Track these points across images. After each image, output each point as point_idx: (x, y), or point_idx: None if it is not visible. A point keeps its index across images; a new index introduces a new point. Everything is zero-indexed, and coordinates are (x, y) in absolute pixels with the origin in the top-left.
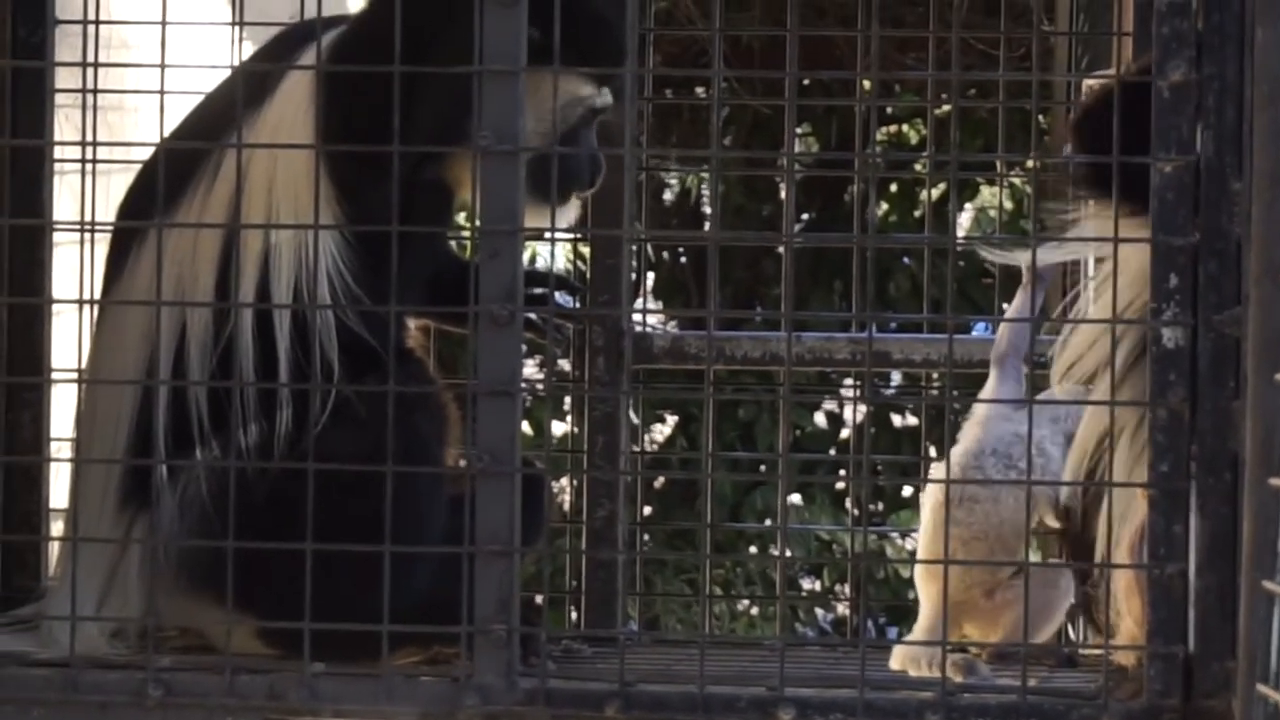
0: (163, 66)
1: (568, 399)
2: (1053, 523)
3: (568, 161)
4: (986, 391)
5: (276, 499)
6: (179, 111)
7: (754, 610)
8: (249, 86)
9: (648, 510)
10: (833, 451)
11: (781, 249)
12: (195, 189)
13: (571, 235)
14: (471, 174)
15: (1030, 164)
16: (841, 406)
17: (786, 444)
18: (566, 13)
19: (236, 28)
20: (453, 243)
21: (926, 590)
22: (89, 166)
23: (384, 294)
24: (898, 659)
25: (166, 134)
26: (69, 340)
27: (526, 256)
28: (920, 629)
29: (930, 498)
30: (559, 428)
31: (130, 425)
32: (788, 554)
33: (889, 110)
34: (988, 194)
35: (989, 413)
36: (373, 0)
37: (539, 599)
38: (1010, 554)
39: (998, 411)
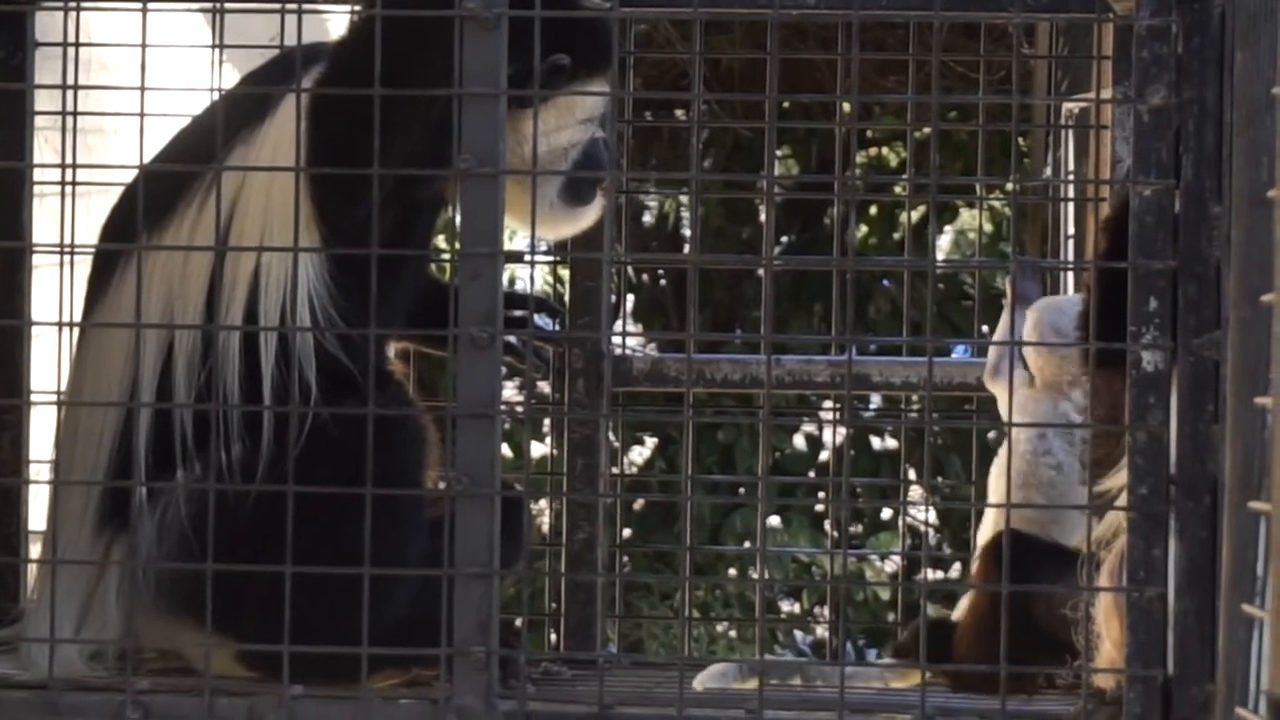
0: (143, 89)
1: (547, 421)
2: None
3: (594, 164)
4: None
5: (256, 521)
6: (159, 134)
7: (733, 632)
8: (247, 107)
9: (627, 532)
10: (812, 474)
11: (761, 271)
12: (188, 207)
13: (551, 258)
14: (450, 197)
15: (1010, 187)
16: (821, 429)
17: (766, 466)
18: (588, 35)
19: (216, 50)
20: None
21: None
22: (69, 189)
23: (369, 317)
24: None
25: (156, 153)
26: (48, 362)
27: (506, 278)
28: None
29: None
30: (538, 450)
31: (112, 445)
32: (767, 576)
33: (869, 133)
34: (967, 216)
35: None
36: (354, 28)
37: (518, 621)
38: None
39: (1030, 410)
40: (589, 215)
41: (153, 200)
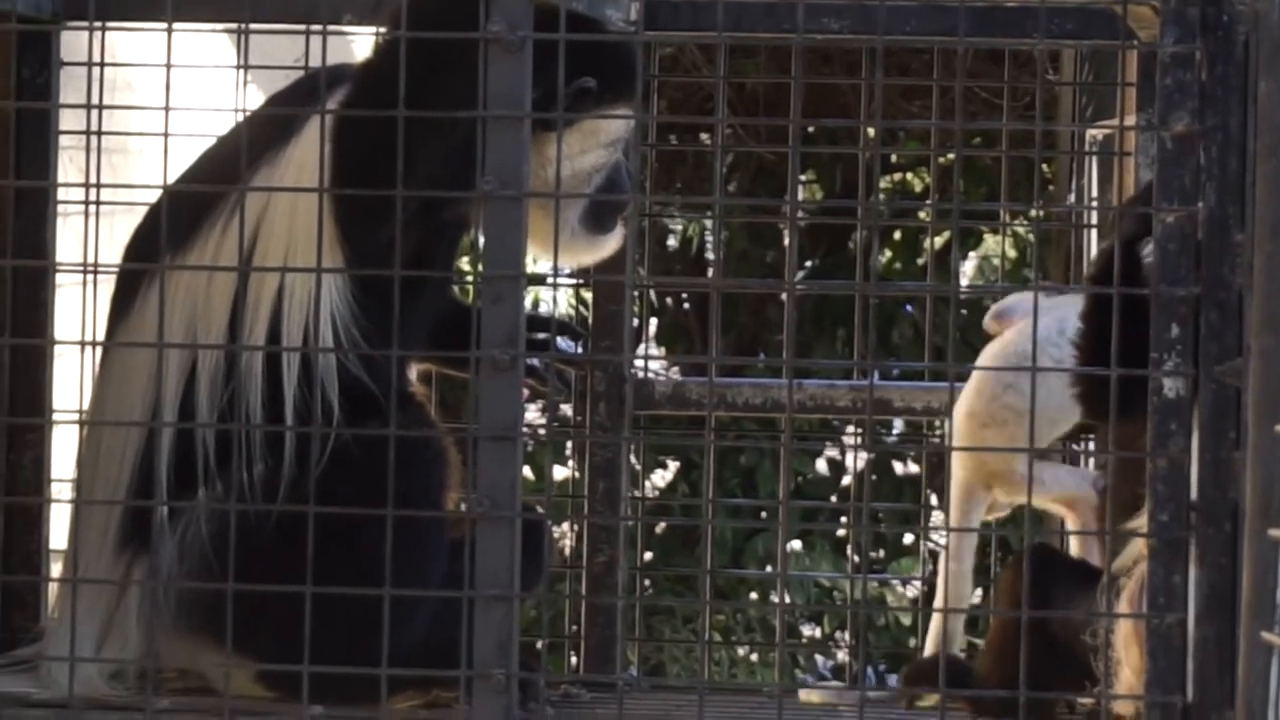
0: (167, 109)
1: (569, 444)
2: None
3: (617, 190)
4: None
5: (277, 541)
6: (183, 154)
7: (754, 656)
8: (272, 128)
9: (648, 555)
10: (834, 498)
11: (784, 295)
12: (212, 227)
13: (574, 281)
14: (474, 219)
15: (1033, 213)
16: (843, 453)
17: (787, 491)
18: (613, 58)
19: (241, 71)
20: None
21: (960, 461)
22: (93, 208)
23: (391, 338)
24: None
25: (181, 173)
26: (71, 381)
27: (529, 301)
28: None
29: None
30: (560, 472)
31: (134, 465)
32: (788, 600)
33: (893, 158)
34: (991, 242)
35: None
36: (379, 50)
37: (539, 643)
38: (1042, 435)
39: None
40: (610, 244)
41: (176, 220)
